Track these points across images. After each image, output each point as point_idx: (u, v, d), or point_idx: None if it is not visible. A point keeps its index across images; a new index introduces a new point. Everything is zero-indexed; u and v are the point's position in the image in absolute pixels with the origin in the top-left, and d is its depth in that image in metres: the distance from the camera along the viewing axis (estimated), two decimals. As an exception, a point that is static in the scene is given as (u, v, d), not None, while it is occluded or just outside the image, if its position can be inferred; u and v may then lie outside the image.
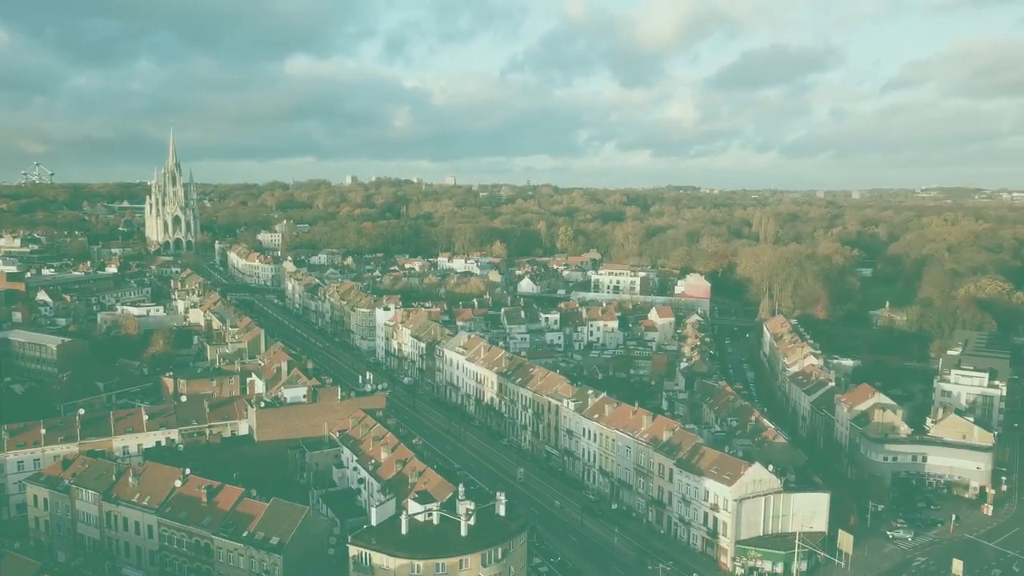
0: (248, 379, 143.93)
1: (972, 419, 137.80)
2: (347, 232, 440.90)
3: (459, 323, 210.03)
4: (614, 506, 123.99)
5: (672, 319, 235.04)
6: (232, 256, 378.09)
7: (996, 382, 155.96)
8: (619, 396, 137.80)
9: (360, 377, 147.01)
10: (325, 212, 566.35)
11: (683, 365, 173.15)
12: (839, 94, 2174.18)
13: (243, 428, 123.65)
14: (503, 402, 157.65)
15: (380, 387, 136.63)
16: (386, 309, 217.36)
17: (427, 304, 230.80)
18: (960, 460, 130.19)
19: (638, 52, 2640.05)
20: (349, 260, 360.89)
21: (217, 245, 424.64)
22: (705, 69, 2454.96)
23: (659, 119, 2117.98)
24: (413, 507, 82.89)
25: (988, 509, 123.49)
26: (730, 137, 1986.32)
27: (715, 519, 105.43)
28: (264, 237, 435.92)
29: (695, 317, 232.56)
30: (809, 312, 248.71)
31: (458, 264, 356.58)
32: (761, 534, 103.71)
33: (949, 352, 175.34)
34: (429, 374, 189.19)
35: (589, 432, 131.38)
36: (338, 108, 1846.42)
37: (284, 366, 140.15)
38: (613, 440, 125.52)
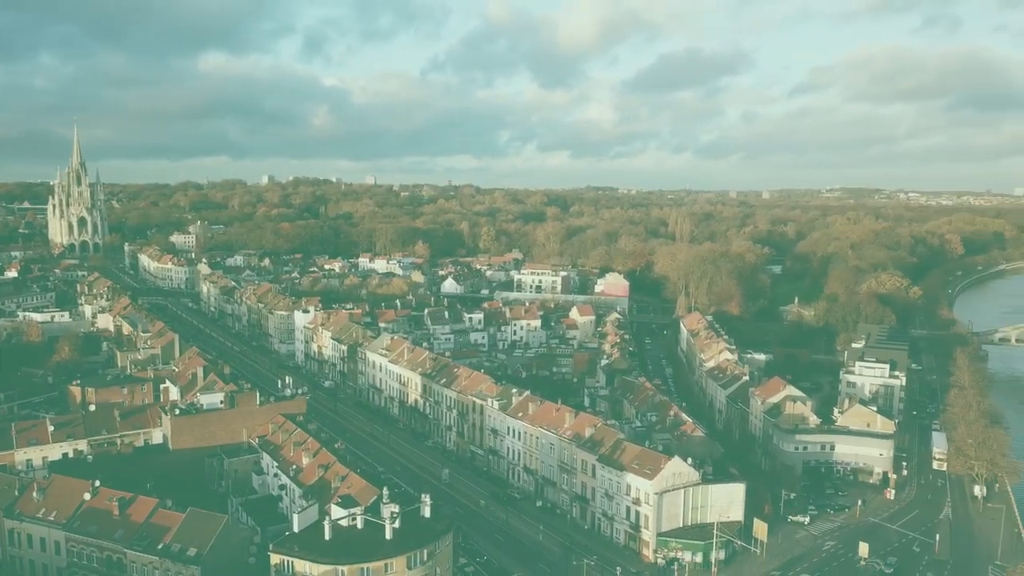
0: (162, 386, 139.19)
1: (875, 408, 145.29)
2: (264, 233, 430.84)
3: (381, 325, 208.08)
4: (539, 503, 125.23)
5: (593, 317, 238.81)
6: (143, 259, 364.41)
7: (896, 373, 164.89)
8: (542, 394, 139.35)
9: (279, 381, 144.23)
10: (241, 213, 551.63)
11: (604, 362, 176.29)
12: (750, 97, 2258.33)
13: (157, 437, 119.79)
14: (427, 403, 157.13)
15: (300, 391, 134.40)
16: (305, 311, 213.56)
17: (348, 306, 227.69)
18: (865, 448, 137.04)
19: (558, 54, 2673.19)
20: (266, 262, 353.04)
21: (127, 247, 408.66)
22: (623, 71, 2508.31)
23: (578, 120, 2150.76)
24: (336, 512, 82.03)
25: (890, 493, 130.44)
26: (647, 138, 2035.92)
27: (637, 513, 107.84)
28: (177, 239, 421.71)
29: (615, 315, 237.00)
30: (723, 309, 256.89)
31: (379, 265, 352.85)
32: (681, 526, 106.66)
33: (853, 345, 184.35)
34: (351, 377, 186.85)
35: (513, 431, 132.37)
36: (254, 106, 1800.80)
37: (200, 371, 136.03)
38: (537, 438, 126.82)
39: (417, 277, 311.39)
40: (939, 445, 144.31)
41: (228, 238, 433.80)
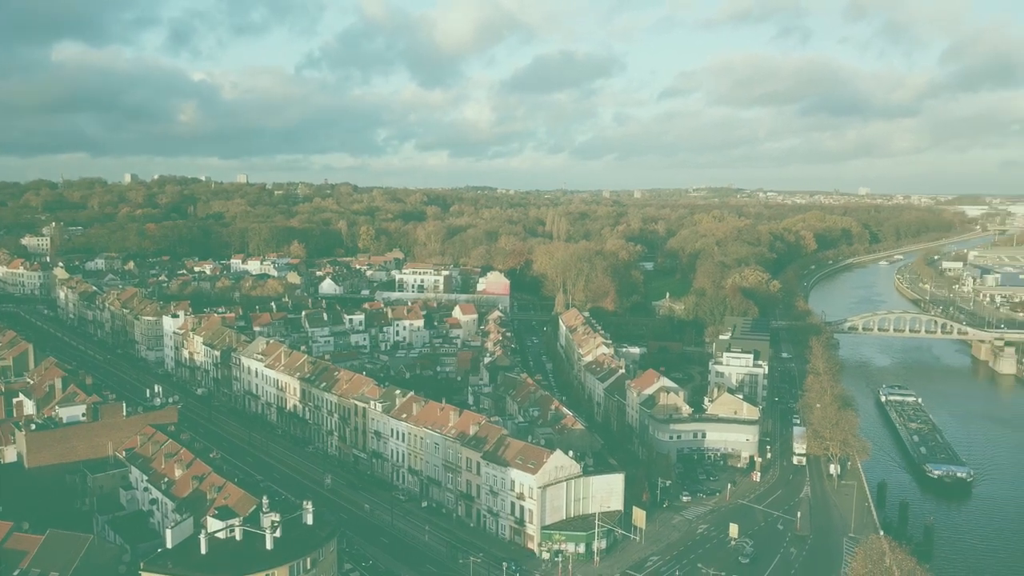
0: (15, 400, 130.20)
1: (741, 396, 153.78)
2: (128, 234, 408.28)
3: (256, 328, 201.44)
4: (424, 504, 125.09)
5: (475, 316, 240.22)
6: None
7: (760, 362, 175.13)
8: (426, 394, 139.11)
9: (148, 391, 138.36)
10: (102, 213, 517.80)
11: (487, 360, 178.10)
12: (621, 100, 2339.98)
13: (10, 455, 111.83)
14: (307, 408, 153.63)
15: (171, 400, 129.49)
16: (174, 316, 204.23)
17: (220, 309, 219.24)
18: (733, 434, 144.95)
19: (436, 53, 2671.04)
20: (131, 265, 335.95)
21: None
22: (500, 72, 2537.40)
23: (457, 120, 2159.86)
24: (213, 524, 79.21)
25: (756, 476, 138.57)
26: (524, 139, 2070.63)
27: (521, 508, 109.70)
28: (29, 241, 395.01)
29: (496, 313, 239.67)
30: (600, 305, 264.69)
31: (253, 266, 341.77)
32: (564, 518, 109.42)
33: (720, 337, 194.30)
34: (225, 384, 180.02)
35: (397, 432, 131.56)
36: (115, 100, 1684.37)
37: (58, 383, 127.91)
38: (421, 438, 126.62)
39: (293, 278, 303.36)
40: (799, 441, 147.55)
41: (87, 240, 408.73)
